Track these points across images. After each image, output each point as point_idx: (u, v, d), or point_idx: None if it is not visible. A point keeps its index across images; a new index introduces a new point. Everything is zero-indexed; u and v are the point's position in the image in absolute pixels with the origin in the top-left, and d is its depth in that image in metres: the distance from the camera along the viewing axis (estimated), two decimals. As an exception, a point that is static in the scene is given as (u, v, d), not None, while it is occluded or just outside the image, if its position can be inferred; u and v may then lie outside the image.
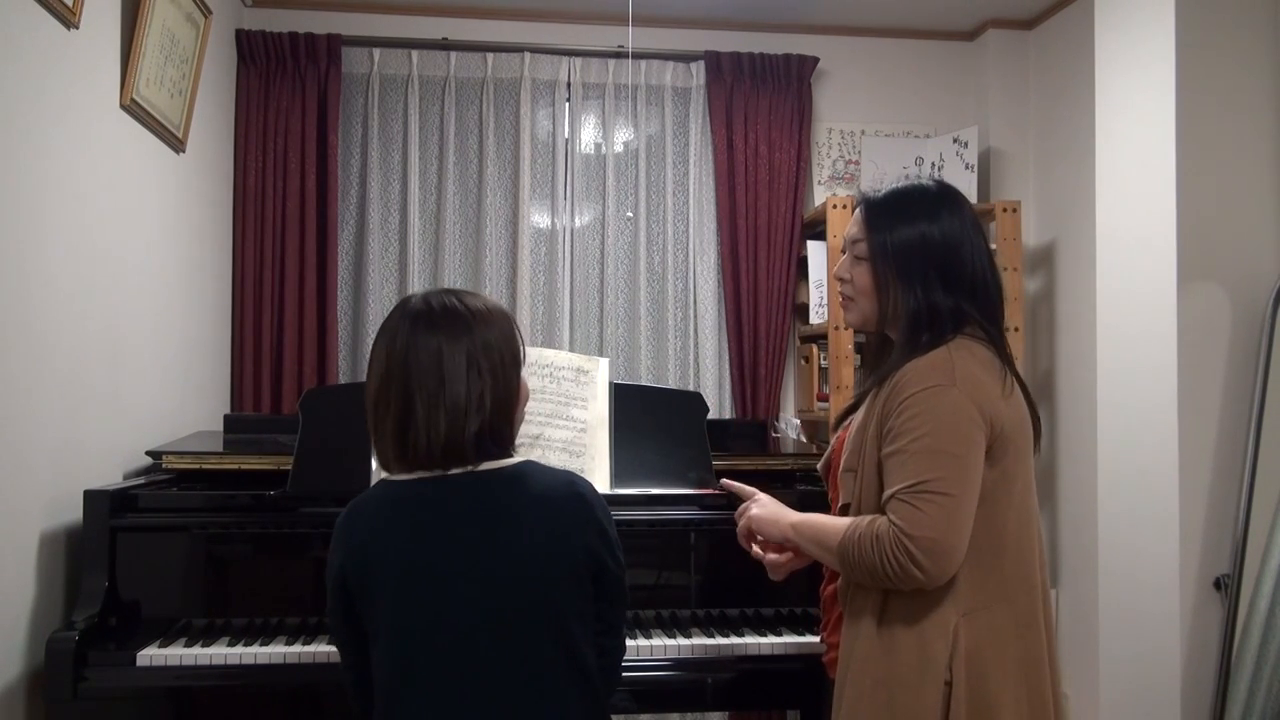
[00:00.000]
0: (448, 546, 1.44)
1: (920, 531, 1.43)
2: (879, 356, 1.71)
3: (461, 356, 1.47)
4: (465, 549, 1.44)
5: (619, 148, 3.73)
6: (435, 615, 1.43)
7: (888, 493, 1.48)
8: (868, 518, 1.50)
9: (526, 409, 1.72)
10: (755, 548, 1.74)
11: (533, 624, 1.45)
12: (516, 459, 1.53)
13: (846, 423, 1.74)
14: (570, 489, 1.52)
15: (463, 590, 1.43)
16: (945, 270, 1.57)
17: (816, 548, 1.60)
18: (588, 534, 1.50)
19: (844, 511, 1.61)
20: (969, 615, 1.49)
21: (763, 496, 1.76)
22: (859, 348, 3.56)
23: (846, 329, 3.42)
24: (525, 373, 1.60)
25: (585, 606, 1.51)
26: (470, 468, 1.48)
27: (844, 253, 1.70)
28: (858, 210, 1.67)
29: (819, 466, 1.85)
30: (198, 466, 2.35)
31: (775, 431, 3.37)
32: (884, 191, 1.66)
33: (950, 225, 1.58)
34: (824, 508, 1.93)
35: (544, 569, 1.46)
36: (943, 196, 1.63)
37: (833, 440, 1.80)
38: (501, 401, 1.51)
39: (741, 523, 1.75)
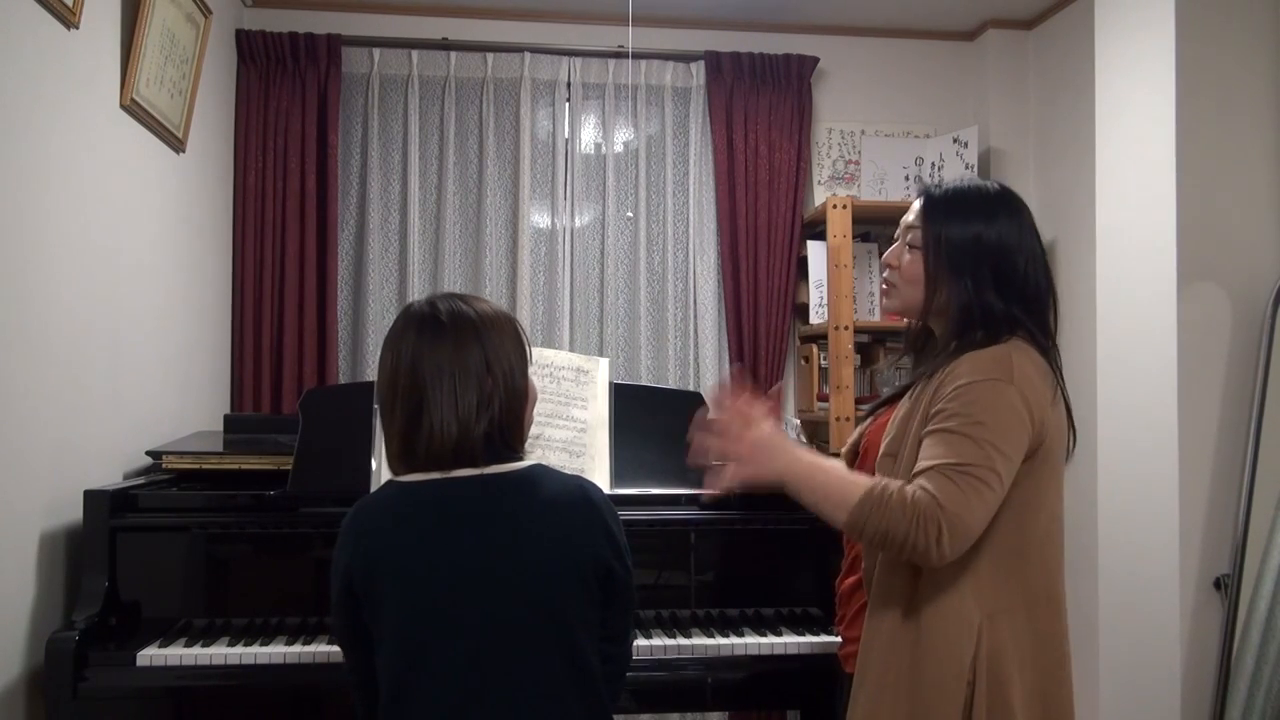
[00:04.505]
0: (456, 549, 1.44)
1: (956, 509, 1.41)
2: (923, 349, 1.70)
3: (472, 360, 1.48)
4: (474, 552, 1.44)
5: (619, 148, 3.73)
6: (442, 618, 1.43)
7: (928, 462, 1.46)
8: (894, 482, 1.46)
9: (528, 410, 1.72)
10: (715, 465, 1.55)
11: (539, 628, 1.45)
12: (526, 462, 1.53)
13: (881, 413, 1.74)
14: (580, 494, 1.52)
15: (470, 593, 1.43)
16: (998, 272, 1.58)
17: (820, 498, 1.50)
18: (597, 539, 1.50)
19: None
20: (992, 617, 1.49)
21: (760, 430, 1.54)
22: (859, 348, 3.57)
23: (846, 329, 3.42)
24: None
25: (592, 612, 1.50)
26: (479, 470, 1.48)
27: (896, 240, 1.71)
28: (917, 200, 1.68)
29: (843, 451, 1.85)
30: (198, 466, 2.35)
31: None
32: (946, 186, 1.66)
33: (1007, 230, 1.59)
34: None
35: (552, 573, 1.46)
36: (1003, 200, 1.64)
37: (859, 429, 1.80)
38: (511, 403, 1.51)
39: (737, 443, 1.52)
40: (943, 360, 1.57)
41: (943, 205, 1.64)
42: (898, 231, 1.72)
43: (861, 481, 1.48)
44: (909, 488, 1.44)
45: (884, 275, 1.72)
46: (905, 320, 1.75)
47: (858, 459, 1.78)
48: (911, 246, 1.65)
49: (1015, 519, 1.49)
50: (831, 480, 1.51)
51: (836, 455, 2.67)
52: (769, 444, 1.52)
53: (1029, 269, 1.59)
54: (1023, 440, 1.48)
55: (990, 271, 1.57)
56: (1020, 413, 1.48)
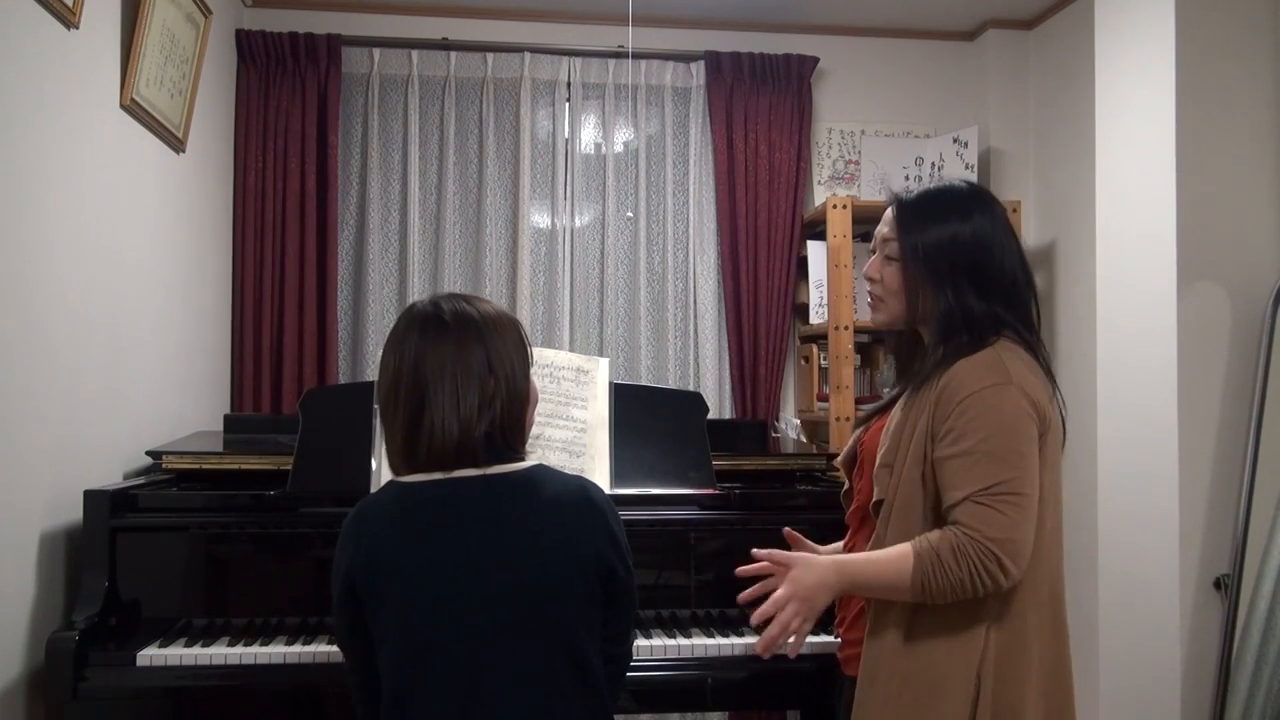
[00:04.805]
0: (458, 550, 1.44)
1: (1004, 534, 1.42)
2: (910, 357, 1.70)
3: (475, 360, 1.48)
4: (476, 552, 1.44)
5: (619, 148, 3.73)
6: (444, 619, 1.43)
7: (959, 494, 1.46)
8: (933, 536, 1.47)
9: (528, 410, 1.72)
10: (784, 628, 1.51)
11: (541, 629, 1.44)
12: (527, 463, 1.53)
13: (874, 421, 1.73)
14: (582, 494, 1.52)
15: (472, 593, 1.43)
16: (976, 272, 1.57)
17: (878, 588, 1.53)
18: (599, 540, 1.50)
19: (877, 508, 1.60)
20: (1000, 621, 1.49)
21: (795, 568, 1.54)
22: (859, 348, 3.57)
23: (846, 329, 3.42)
24: (527, 373, 1.60)
25: (594, 613, 1.50)
26: (481, 470, 1.48)
27: (874, 252, 1.70)
28: (889, 210, 1.67)
29: (839, 461, 1.85)
30: (198, 466, 2.35)
31: (775, 431, 3.37)
32: (916, 192, 1.66)
33: (981, 226, 1.59)
34: (826, 506, 1.94)
35: (554, 574, 1.46)
36: (974, 197, 1.63)
37: (854, 436, 1.80)
38: (513, 404, 1.51)
39: (788, 612, 1.50)
40: (931, 368, 1.56)
41: (915, 212, 1.63)
42: (873, 244, 1.71)
43: (904, 553, 1.47)
44: (950, 534, 1.44)
45: (869, 289, 1.71)
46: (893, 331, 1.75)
47: (855, 466, 1.77)
48: (889, 258, 1.65)
49: None
50: (878, 568, 1.51)
51: (835, 455, 2.69)
52: (810, 587, 1.51)
53: (1006, 264, 1.59)
54: (1035, 435, 1.49)
55: (968, 273, 1.57)
56: (1026, 410, 1.48)
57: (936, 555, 1.44)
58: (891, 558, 1.50)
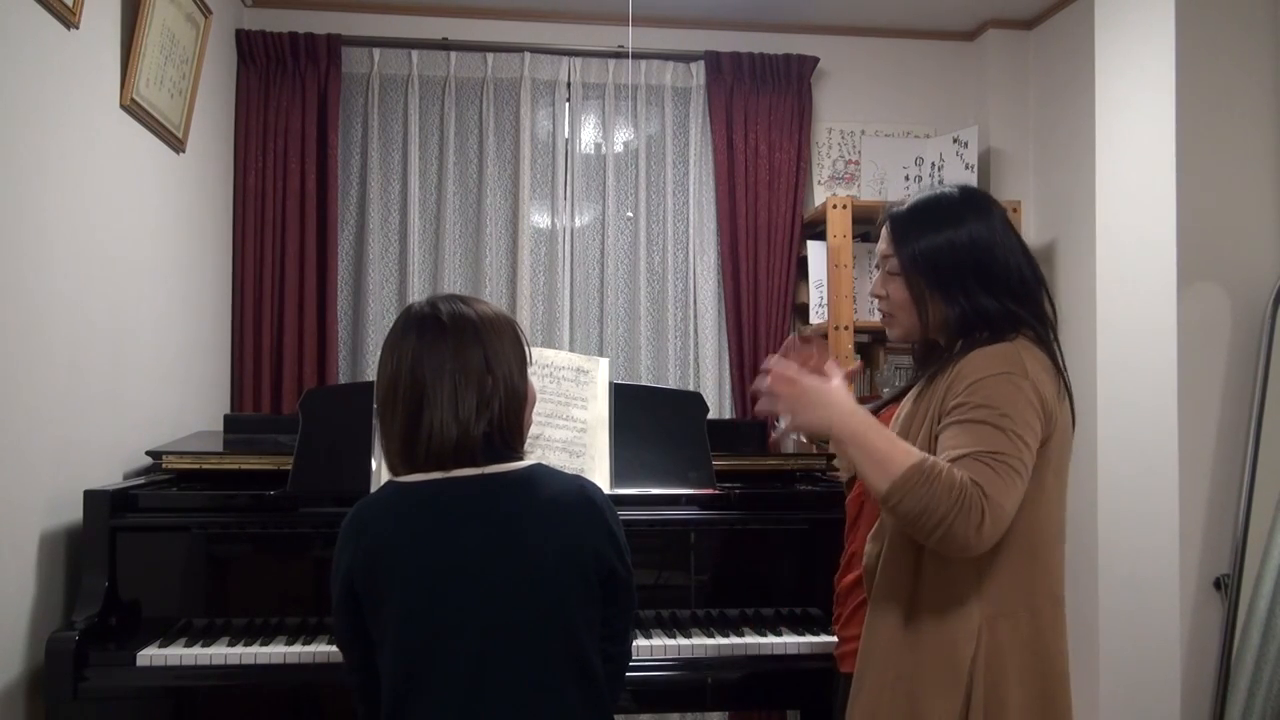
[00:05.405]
0: (457, 549, 1.44)
1: (999, 497, 1.39)
2: (927, 359, 1.69)
3: (473, 361, 1.48)
4: (475, 552, 1.44)
5: (619, 148, 3.73)
6: (444, 618, 1.43)
7: (960, 451, 1.42)
8: (944, 462, 1.41)
9: (528, 410, 1.72)
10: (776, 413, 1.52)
11: (541, 629, 1.44)
12: (526, 462, 1.53)
13: (883, 411, 1.73)
14: (581, 494, 1.52)
15: (472, 593, 1.43)
16: (982, 273, 1.57)
17: (865, 459, 1.44)
18: (598, 539, 1.50)
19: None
20: (994, 619, 1.49)
21: (833, 381, 1.52)
22: (859, 348, 3.57)
23: (846, 329, 3.42)
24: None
25: (593, 612, 1.50)
26: (479, 469, 1.48)
27: (877, 269, 1.70)
28: (884, 227, 1.66)
29: None
30: (198, 466, 2.35)
31: (775, 431, 3.36)
32: (908, 204, 1.65)
33: (977, 229, 1.58)
34: (826, 506, 1.94)
35: (553, 574, 1.46)
36: (966, 202, 1.62)
37: None
38: (511, 404, 1.51)
39: (773, 378, 1.50)
40: (949, 360, 1.56)
41: (908, 224, 1.63)
42: (875, 261, 1.71)
43: (913, 453, 1.42)
44: (958, 471, 1.39)
45: (878, 306, 1.71)
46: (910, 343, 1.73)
47: None
48: (890, 274, 1.65)
49: (1028, 517, 1.48)
50: (881, 445, 1.44)
51: (836, 455, 2.68)
52: (820, 393, 1.48)
53: (1010, 261, 1.58)
54: (1038, 433, 1.48)
55: (973, 274, 1.57)
56: (1035, 406, 1.47)
57: (935, 474, 1.38)
58: (895, 446, 1.44)
